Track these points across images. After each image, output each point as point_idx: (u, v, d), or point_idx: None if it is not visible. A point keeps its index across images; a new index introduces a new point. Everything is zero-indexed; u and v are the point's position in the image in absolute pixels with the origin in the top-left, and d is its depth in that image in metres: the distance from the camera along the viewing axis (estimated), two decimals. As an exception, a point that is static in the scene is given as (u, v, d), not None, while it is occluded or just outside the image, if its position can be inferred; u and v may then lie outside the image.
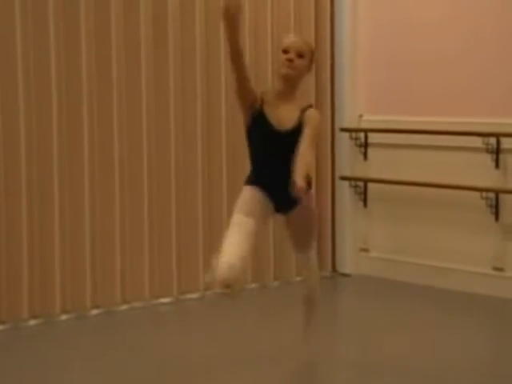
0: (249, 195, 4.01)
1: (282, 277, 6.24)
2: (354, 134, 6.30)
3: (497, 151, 5.53)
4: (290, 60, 3.83)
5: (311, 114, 3.98)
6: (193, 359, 4.52)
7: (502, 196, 5.56)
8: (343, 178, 6.31)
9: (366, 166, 6.30)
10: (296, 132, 3.89)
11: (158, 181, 5.49)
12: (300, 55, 3.88)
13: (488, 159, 5.56)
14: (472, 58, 5.85)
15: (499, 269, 5.60)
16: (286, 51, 3.86)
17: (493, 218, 5.55)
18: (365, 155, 6.25)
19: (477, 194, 5.52)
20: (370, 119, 6.26)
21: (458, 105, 5.86)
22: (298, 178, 3.53)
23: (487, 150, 5.50)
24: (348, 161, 6.40)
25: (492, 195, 5.49)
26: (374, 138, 6.24)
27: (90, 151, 5.13)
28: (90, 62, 5.18)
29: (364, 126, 6.28)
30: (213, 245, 5.15)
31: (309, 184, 3.65)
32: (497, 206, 5.53)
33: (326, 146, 6.35)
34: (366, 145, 6.25)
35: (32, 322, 5.08)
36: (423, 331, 5.13)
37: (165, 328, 5.13)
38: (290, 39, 3.98)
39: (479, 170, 5.64)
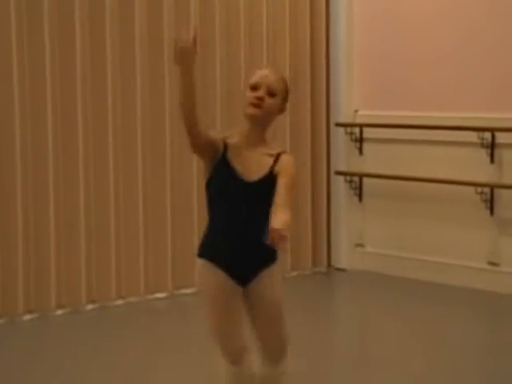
0: (214, 297, 3.29)
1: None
2: (349, 129, 6.35)
3: (492, 146, 5.60)
4: (259, 98, 3.21)
5: (286, 161, 3.30)
6: (190, 353, 4.56)
7: (496, 191, 5.64)
8: (338, 173, 6.37)
9: (362, 161, 6.36)
10: (266, 184, 3.21)
11: (153, 176, 5.60)
12: (271, 93, 3.25)
13: (483, 154, 5.62)
14: (467, 52, 5.95)
15: (494, 264, 5.70)
16: (254, 88, 3.23)
17: (488, 212, 5.63)
18: (360, 150, 6.31)
19: (472, 188, 5.59)
20: (365, 114, 6.33)
21: (452, 100, 5.95)
22: (277, 223, 2.89)
23: (482, 145, 5.58)
24: (343, 156, 6.45)
25: (487, 190, 5.56)
26: (369, 132, 6.30)
27: (84, 150, 5.37)
28: (85, 61, 5.34)
29: (359, 120, 6.34)
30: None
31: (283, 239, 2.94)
32: (492, 201, 5.61)
33: (321, 140, 6.43)
34: (361, 140, 6.31)
35: (27, 317, 5.16)
36: (419, 325, 5.19)
37: (160, 323, 5.23)
38: (261, 73, 3.29)
39: (474, 165, 5.71)
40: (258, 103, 3.19)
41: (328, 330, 5.24)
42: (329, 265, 6.55)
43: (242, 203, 3.20)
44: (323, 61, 6.46)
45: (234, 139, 3.27)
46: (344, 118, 6.39)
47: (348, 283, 6.42)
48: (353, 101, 6.50)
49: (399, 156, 6.16)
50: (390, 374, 4.30)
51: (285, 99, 3.34)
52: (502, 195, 5.64)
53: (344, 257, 6.54)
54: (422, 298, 5.77)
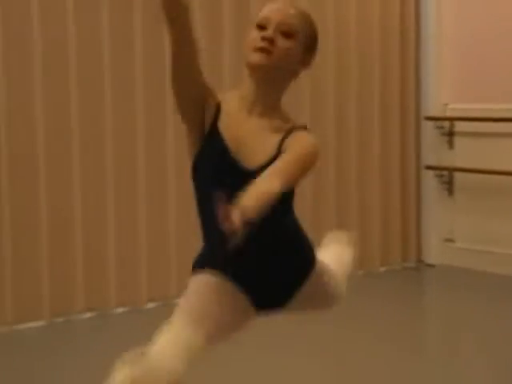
0: (198, 292, 2.24)
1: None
2: (439, 123, 6.30)
3: None
4: (267, 39, 2.10)
5: (298, 137, 2.17)
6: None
7: None
8: (428, 168, 6.33)
9: (452, 155, 6.31)
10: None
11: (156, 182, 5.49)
12: (286, 33, 2.14)
13: None
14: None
15: None
16: (261, 26, 2.13)
17: None
18: (450, 144, 6.25)
19: None
20: (455, 107, 6.27)
21: None
22: (244, 199, 1.86)
23: None
24: (433, 150, 6.41)
25: None
26: (459, 126, 6.23)
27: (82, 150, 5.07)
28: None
29: (449, 114, 6.28)
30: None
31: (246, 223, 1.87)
32: None
33: (410, 134, 6.39)
34: (451, 133, 6.25)
35: (87, 315, 5.07)
36: (508, 320, 5.12)
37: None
38: (272, 6, 2.18)
39: None
40: (264, 47, 2.11)
41: (418, 323, 5.24)
42: (418, 260, 6.50)
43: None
44: (412, 54, 6.39)
45: (231, 103, 2.21)
46: (434, 112, 6.34)
47: (437, 279, 6.38)
48: (442, 94, 6.45)
49: (490, 150, 6.08)
50: (479, 364, 4.28)
51: (309, 47, 2.23)
52: None
53: (434, 252, 6.50)
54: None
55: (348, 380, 4.23)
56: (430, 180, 6.43)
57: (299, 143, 2.11)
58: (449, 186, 6.32)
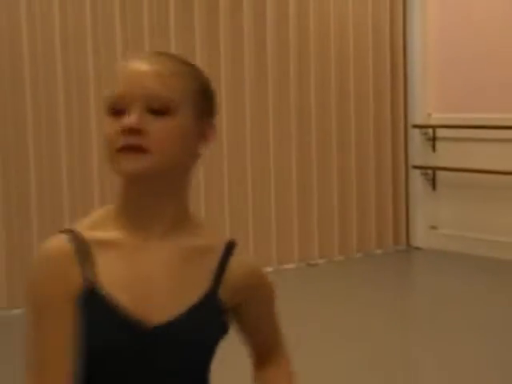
0: None
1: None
2: (423, 130, 6.76)
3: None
4: (133, 131, 1.23)
5: (259, 278, 1.43)
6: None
7: None
8: (415, 167, 6.81)
9: (435, 157, 6.76)
10: (196, 326, 1.31)
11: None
12: (159, 111, 1.25)
13: None
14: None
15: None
16: (118, 111, 1.25)
17: None
18: (433, 147, 6.71)
19: None
20: (437, 117, 6.70)
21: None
22: None
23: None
24: (419, 153, 6.89)
25: None
26: (441, 132, 6.66)
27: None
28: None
29: (432, 122, 6.72)
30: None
31: None
32: None
33: (400, 140, 6.92)
34: (434, 139, 6.69)
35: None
36: (485, 294, 5.47)
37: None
38: (127, 75, 1.25)
39: None
40: (132, 144, 1.23)
41: (407, 295, 5.67)
42: (408, 244, 6.98)
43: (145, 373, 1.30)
44: (401, 72, 6.86)
45: (106, 236, 1.30)
46: (419, 121, 6.80)
47: (423, 260, 6.73)
48: (426, 105, 6.92)
49: (467, 152, 6.49)
50: (471, 347, 4.40)
51: (203, 112, 1.33)
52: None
53: (420, 237, 6.97)
54: (487, 272, 6.03)
55: (344, 344, 4.60)
56: (416, 177, 6.92)
57: (266, 286, 1.44)
58: (432, 183, 6.79)
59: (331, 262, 6.66)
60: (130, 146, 1.22)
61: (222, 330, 1.36)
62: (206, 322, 1.32)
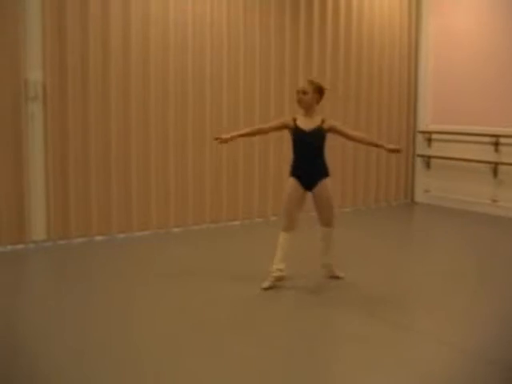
0: (289, 185, 5.08)
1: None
2: (424, 134, 9.41)
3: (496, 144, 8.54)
4: (299, 95, 5.04)
5: (332, 121, 5.14)
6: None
7: (495, 166, 8.50)
8: (418, 156, 9.56)
9: (430, 150, 9.36)
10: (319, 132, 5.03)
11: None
12: (304, 92, 5.09)
13: (491, 147, 8.49)
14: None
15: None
16: (298, 91, 5.13)
17: (491, 175, 8.42)
18: (429, 144, 9.41)
19: (483, 164, 8.56)
20: (432, 127, 9.33)
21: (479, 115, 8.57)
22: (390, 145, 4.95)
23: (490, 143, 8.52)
24: (421, 147, 9.55)
25: (492, 166, 8.58)
26: (434, 136, 9.31)
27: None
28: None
29: (429, 129, 9.34)
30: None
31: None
32: (495, 170, 8.52)
33: (410, 139, 9.63)
34: (430, 139, 9.37)
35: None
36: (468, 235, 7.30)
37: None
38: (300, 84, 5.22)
39: (484, 153, 8.52)
40: (298, 99, 5.08)
41: (407, 230, 7.83)
42: (411, 200, 9.74)
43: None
44: (413, 95, 9.64)
45: (299, 115, 5.05)
46: (421, 128, 9.43)
47: (420, 210, 9.13)
48: (426, 118, 9.47)
49: (450, 147, 8.97)
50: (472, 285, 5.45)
51: (317, 92, 5.10)
52: (498, 169, 8.43)
53: (419, 196, 9.68)
54: (460, 218, 8.17)
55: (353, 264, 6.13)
56: (418, 161, 9.60)
57: (336, 123, 5.03)
58: (427, 165, 9.39)
59: (358, 210, 9.27)
60: (298, 100, 5.14)
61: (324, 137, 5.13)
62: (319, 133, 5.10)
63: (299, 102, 5.11)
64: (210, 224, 8.17)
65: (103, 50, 7.32)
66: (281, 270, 5.20)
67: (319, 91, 5.12)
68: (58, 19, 6.98)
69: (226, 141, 5.02)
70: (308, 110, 5.13)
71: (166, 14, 7.71)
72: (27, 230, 6.99)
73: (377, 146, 5.26)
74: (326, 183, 5.14)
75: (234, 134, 5.09)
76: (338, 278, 5.47)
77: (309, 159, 5.10)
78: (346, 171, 9.30)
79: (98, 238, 7.46)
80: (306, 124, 5.14)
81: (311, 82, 5.11)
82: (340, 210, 8.83)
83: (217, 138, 5.06)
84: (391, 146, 5.11)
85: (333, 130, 5.15)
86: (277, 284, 5.21)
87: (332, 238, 5.28)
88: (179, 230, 7.77)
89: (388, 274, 5.84)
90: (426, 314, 4.79)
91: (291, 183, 5.12)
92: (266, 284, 5.21)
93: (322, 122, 5.14)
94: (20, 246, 6.94)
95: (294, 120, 5.14)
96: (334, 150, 8.37)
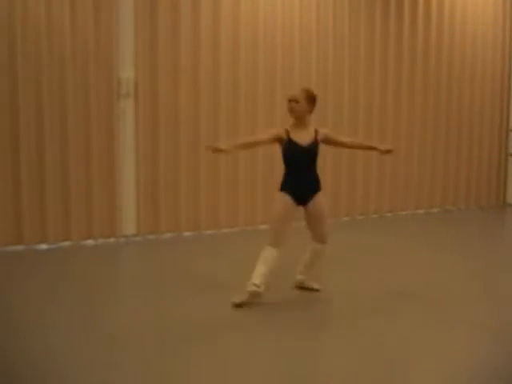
0: (281, 199, 4.83)
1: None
2: None
3: None
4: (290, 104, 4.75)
5: (326, 131, 4.93)
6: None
7: None
8: (510, 155, 9.81)
9: None
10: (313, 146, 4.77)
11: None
12: (295, 100, 4.79)
13: None
14: None
15: None
16: (289, 100, 4.81)
17: None
18: None
19: None
20: None
21: None
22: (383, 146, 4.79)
23: None
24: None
25: None
26: None
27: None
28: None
29: None
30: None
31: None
32: None
33: (502, 137, 9.80)
34: None
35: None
36: None
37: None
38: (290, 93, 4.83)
39: None
40: (289, 109, 4.79)
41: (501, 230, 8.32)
42: (504, 202, 9.96)
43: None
44: (506, 97, 9.76)
45: (291, 127, 4.77)
46: None
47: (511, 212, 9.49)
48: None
49: None
50: None
51: (309, 100, 4.80)
52: None
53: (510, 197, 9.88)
54: None
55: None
56: (510, 160, 9.83)
57: (329, 132, 4.78)
58: None
59: (460, 209, 9.46)
60: (288, 109, 4.78)
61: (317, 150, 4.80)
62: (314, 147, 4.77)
63: (290, 111, 4.82)
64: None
65: (193, 49, 7.55)
66: (257, 286, 4.83)
67: (312, 100, 4.84)
68: (149, 20, 7.27)
69: (219, 151, 4.54)
70: (300, 120, 4.85)
71: (256, 13, 7.87)
72: (118, 224, 7.26)
73: (370, 148, 5.08)
74: (320, 198, 4.93)
75: (230, 146, 4.66)
76: (313, 290, 5.28)
77: (303, 174, 4.86)
78: (436, 170, 9.47)
79: (187, 233, 7.64)
80: (301, 137, 4.87)
81: (303, 90, 4.84)
82: (428, 210, 9.04)
83: (209, 147, 4.62)
84: (384, 148, 4.93)
85: (327, 139, 4.96)
86: (251, 301, 4.88)
87: (323, 254, 5.08)
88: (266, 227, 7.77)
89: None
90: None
91: (283, 199, 4.84)
92: (237, 299, 4.91)
93: (316, 133, 4.91)
94: (111, 240, 7.24)
95: (287, 132, 4.84)
96: (423, 150, 8.74)
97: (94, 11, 7.00)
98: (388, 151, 4.91)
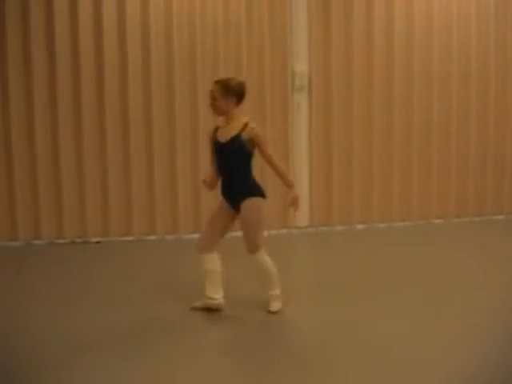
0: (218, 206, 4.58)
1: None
2: None
3: None
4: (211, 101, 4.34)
5: (251, 130, 4.36)
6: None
7: None
8: None
9: None
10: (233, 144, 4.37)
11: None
12: (213, 96, 4.34)
13: None
14: None
15: None
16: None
17: None
18: None
19: None
20: None
21: None
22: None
23: None
24: None
25: None
26: None
27: None
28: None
29: None
30: None
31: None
32: None
33: None
34: None
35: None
36: None
37: None
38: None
39: None
40: (210, 105, 4.36)
41: None
42: None
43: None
44: None
45: (219, 125, 4.48)
46: None
47: None
48: None
49: None
50: None
51: (226, 93, 4.31)
52: None
53: None
54: None
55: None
56: None
57: (255, 134, 4.26)
58: None
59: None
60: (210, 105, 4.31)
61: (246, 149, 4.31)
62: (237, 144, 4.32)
63: (211, 108, 4.36)
64: (472, 217, 8.12)
65: (366, 43, 7.58)
66: (211, 299, 4.55)
67: (230, 91, 4.28)
68: (323, 14, 7.38)
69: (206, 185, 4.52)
70: (226, 116, 4.35)
71: (431, 11, 7.81)
72: (292, 216, 7.38)
73: (279, 175, 4.45)
74: (247, 204, 4.34)
75: (208, 177, 4.55)
76: (270, 312, 4.56)
77: (229, 176, 4.39)
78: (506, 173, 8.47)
79: (359, 226, 7.65)
80: (222, 134, 4.38)
81: (217, 83, 4.30)
82: (493, 217, 8.06)
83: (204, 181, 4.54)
84: (289, 184, 4.41)
85: (253, 139, 4.35)
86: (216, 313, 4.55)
87: (265, 266, 4.44)
88: (440, 221, 7.84)
89: None
90: None
91: (219, 203, 4.54)
92: (197, 303, 4.67)
93: (243, 129, 4.32)
94: (284, 231, 7.37)
95: (215, 130, 4.45)
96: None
97: (269, 6, 7.19)
98: (293, 199, 4.41)
